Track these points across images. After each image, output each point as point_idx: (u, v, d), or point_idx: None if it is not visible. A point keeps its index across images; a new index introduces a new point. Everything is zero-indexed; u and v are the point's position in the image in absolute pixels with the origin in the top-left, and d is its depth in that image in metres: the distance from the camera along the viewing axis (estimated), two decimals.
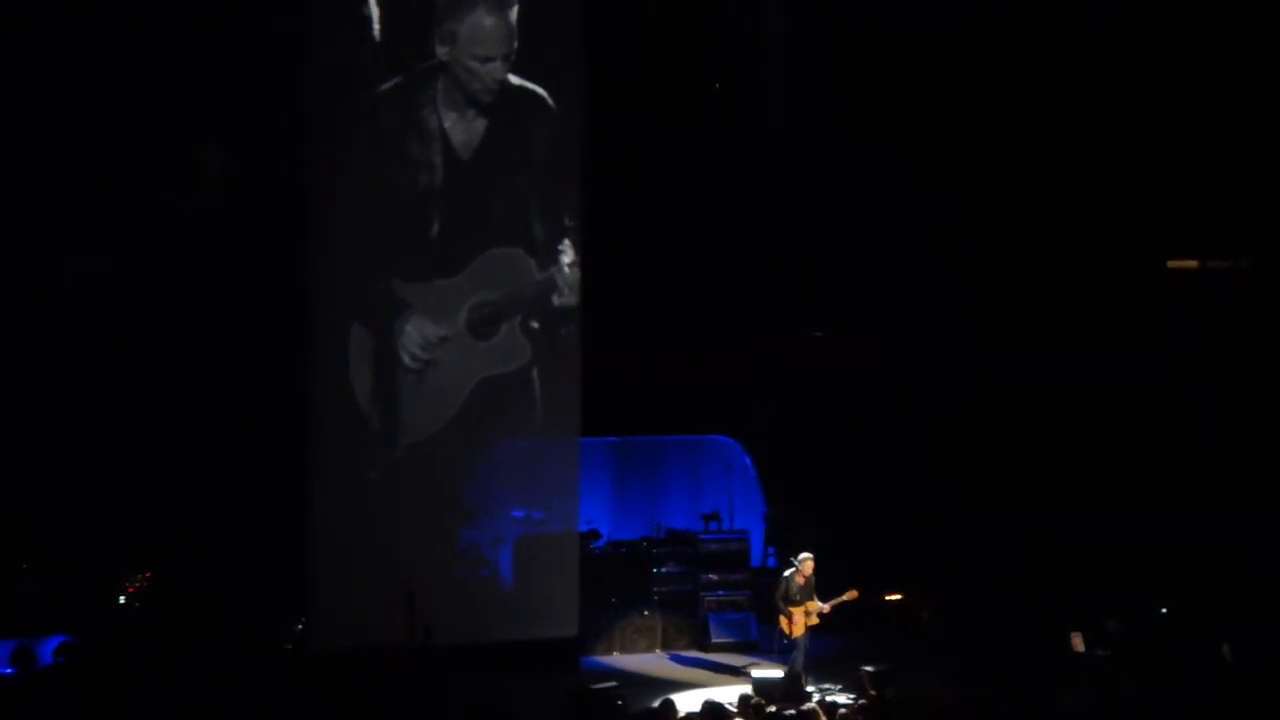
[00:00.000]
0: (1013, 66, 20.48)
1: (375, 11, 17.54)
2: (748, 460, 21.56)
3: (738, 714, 14.22)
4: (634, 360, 20.39)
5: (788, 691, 16.11)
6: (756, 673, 17.14)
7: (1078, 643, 18.91)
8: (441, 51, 17.85)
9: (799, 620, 17.18)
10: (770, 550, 21.15)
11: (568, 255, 18.40)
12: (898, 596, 19.91)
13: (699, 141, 21.12)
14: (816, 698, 15.59)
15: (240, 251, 18.30)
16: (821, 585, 17.31)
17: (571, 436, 18.57)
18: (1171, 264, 21.17)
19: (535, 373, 18.36)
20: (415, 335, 17.89)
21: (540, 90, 18.22)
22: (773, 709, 14.06)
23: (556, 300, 18.39)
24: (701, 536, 20.27)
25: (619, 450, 21.11)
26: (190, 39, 18.10)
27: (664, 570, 19.90)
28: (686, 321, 20.99)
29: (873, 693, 15.05)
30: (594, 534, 19.97)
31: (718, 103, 21.37)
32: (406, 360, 17.87)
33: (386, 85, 17.66)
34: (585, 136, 18.47)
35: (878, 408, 20.93)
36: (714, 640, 19.57)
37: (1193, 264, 21.22)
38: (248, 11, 17.88)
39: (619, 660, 19.07)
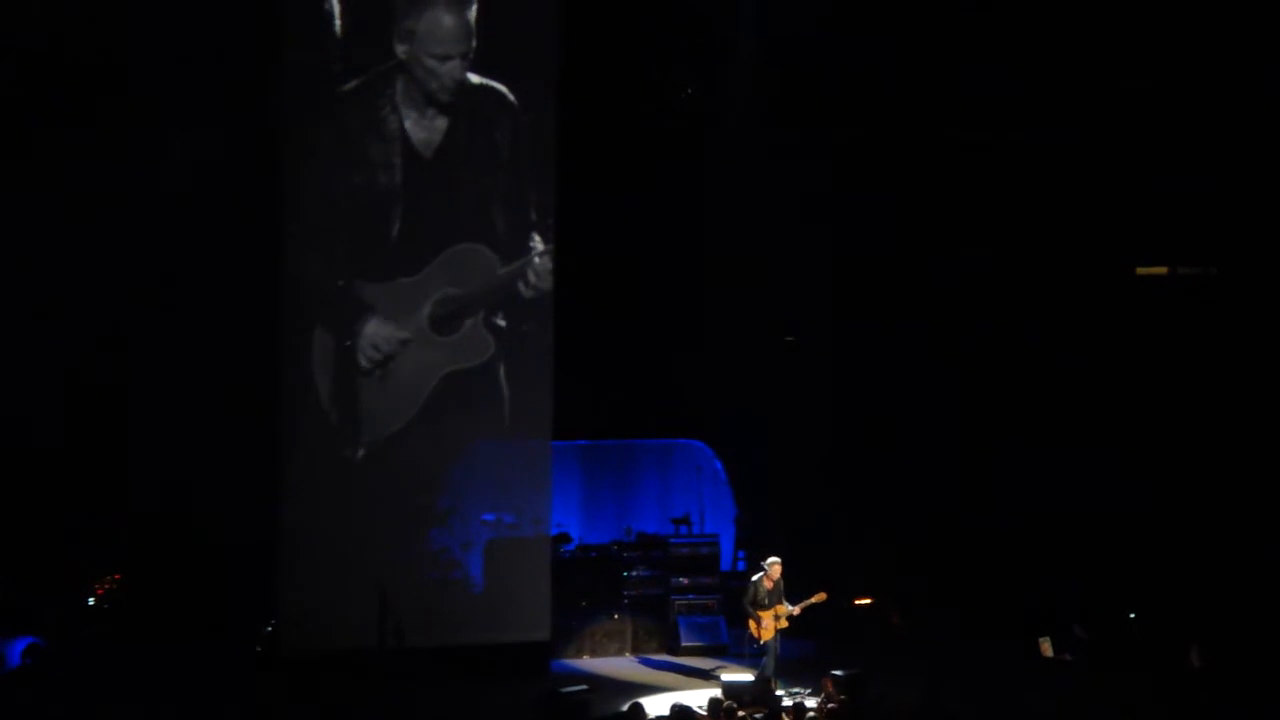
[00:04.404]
0: (978, 71, 20.50)
1: (335, 10, 17.54)
2: (719, 464, 21.58)
3: (707, 718, 14.27)
4: (605, 363, 20.37)
5: (757, 695, 16.12)
6: (726, 676, 17.12)
7: (1046, 648, 19.01)
8: (400, 50, 17.85)
9: (768, 624, 17.20)
10: (740, 554, 21.18)
11: (534, 251, 18.42)
12: (868, 601, 19.92)
13: (670, 139, 21.07)
14: (786, 702, 15.62)
15: (204, 254, 18.26)
16: (793, 590, 17.34)
17: (543, 439, 18.58)
18: (1141, 271, 21.23)
19: (502, 371, 18.37)
20: (376, 334, 17.89)
21: (501, 87, 18.24)
22: (742, 713, 14.11)
23: (524, 295, 18.39)
24: (672, 540, 20.28)
25: (590, 453, 21.12)
26: (150, 44, 18.06)
27: (634, 574, 19.92)
28: (657, 324, 20.96)
29: (841, 697, 15.09)
30: (564, 537, 19.97)
31: (687, 102, 21.32)
32: (363, 362, 17.86)
33: (347, 86, 17.65)
34: (552, 133, 18.46)
35: (849, 412, 20.96)
36: (684, 644, 19.56)
37: (1162, 270, 21.29)
38: (210, 14, 17.84)
39: (589, 664, 19.05)
